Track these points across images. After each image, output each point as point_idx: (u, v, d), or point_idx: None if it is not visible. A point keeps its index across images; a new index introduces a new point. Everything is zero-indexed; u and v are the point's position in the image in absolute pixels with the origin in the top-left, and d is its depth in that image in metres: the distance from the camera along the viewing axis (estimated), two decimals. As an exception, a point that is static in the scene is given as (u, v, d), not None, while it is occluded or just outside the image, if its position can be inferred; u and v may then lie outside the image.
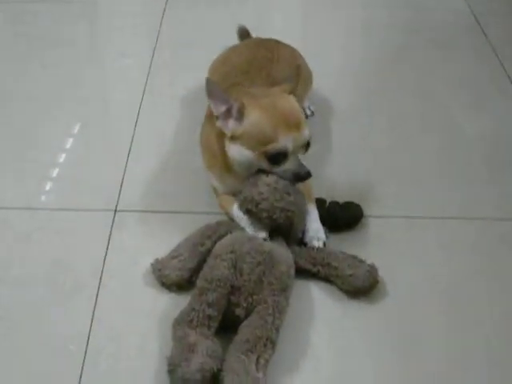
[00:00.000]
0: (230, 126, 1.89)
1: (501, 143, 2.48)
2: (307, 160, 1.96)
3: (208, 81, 1.87)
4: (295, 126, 1.84)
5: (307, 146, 1.89)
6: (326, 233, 1.98)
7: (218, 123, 1.90)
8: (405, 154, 2.41)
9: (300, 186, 1.94)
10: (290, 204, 1.86)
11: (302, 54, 2.53)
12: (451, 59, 3.00)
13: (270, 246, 1.82)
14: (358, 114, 2.61)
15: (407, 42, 3.13)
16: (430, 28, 3.25)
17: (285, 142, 1.82)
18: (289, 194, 1.86)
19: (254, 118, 1.85)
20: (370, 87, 2.79)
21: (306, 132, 1.86)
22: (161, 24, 3.21)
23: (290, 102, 1.91)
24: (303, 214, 1.95)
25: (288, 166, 1.86)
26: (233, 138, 1.89)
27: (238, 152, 1.89)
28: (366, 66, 2.94)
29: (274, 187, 1.86)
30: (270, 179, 1.87)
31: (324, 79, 2.64)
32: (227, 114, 1.88)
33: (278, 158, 1.84)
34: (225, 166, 1.98)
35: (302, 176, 1.86)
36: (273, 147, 1.82)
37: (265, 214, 1.86)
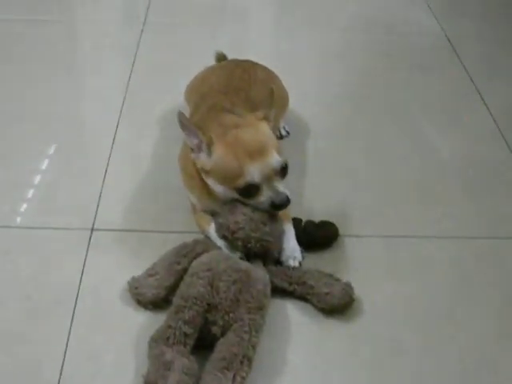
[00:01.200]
0: (202, 160, 1.91)
1: (474, 161, 2.53)
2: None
3: (180, 115, 1.88)
4: (259, 155, 1.83)
5: (283, 171, 1.88)
6: (301, 252, 1.99)
7: (192, 156, 1.92)
8: (379, 174, 2.44)
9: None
10: (266, 234, 1.88)
11: (279, 75, 2.56)
12: (425, 80, 3.05)
13: (246, 264, 1.83)
14: (334, 134, 2.64)
15: (382, 65, 3.18)
16: (404, 50, 3.31)
17: (251, 174, 1.82)
18: (265, 224, 1.88)
19: (220, 154, 1.87)
20: (346, 109, 2.82)
21: (273, 159, 1.85)
22: (138, 45, 3.22)
23: (258, 132, 1.92)
24: (279, 241, 1.96)
25: (264, 195, 1.86)
26: (206, 173, 1.91)
27: (213, 185, 1.92)
28: (341, 88, 2.97)
29: (249, 217, 1.88)
30: (246, 209, 1.89)
31: (300, 100, 2.67)
32: (199, 148, 1.90)
33: (248, 191, 1.85)
34: (203, 188, 1.99)
35: (278, 205, 1.86)
36: (241, 182, 1.83)
37: (240, 243, 1.88)
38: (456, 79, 3.07)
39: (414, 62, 3.21)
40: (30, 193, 2.30)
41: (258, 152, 1.84)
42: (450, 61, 3.22)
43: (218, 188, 1.91)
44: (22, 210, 2.23)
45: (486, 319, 1.91)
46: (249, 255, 1.89)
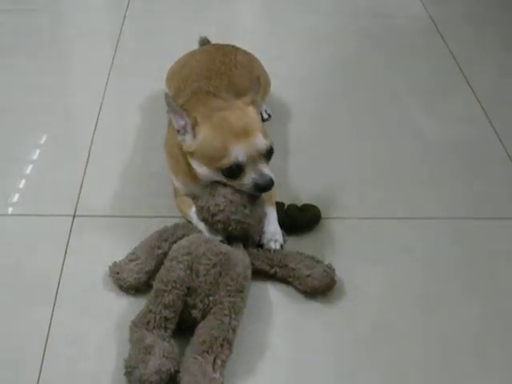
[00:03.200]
0: (188, 141, 1.90)
1: (459, 143, 2.53)
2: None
3: (166, 96, 1.88)
4: (245, 135, 1.83)
5: (268, 154, 1.88)
6: (283, 235, 1.99)
7: (179, 138, 1.92)
8: (362, 156, 2.44)
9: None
10: (246, 216, 1.88)
11: (263, 59, 2.56)
12: (411, 64, 3.05)
13: (226, 247, 1.83)
14: (317, 117, 2.65)
15: (368, 49, 3.18)
16: (390, 34, 3.31)
17: (236, 154, 1.82)
18: (245, 206, 1.88)
19: (204, 135, 1.87)
20: (331, 92, 2.82)
21: (259, 140, 1.85)
22: (121, 31, 3.21)
23: (244, 114, 1.92)
24: (260, 223, 1.96)
25: (248, 177, 1.85)
26: (191, 154, 1.91)
27: (197, 167, 1.91)
28: (326, 72, 2.97)
29: (230, 200, 1.87)
30: (226, 191, 1.89)
31: (283, 83, 2.67)
32: (184, 129, 1.89)
33: (233, 171, 1.84)
34: (188, 173, 1.99)
35: (262, 187, 1.85)
36: (225, 162, 1.83)
37: (220, 226, 1.88)
38: (442, 62, 3.07)
39: (400, 45, 3.21)
40: (11, 180, 2.30)
41: (244, 133, 1.84)
42: (436, 44, 3.22)
43: (202, 170, 1.91)
44: (3, 198, 2.22)
45: (468, 299, 1.91)
46: (229, 238, 1.89)
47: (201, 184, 1.98)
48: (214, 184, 1.92)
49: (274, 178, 1.86)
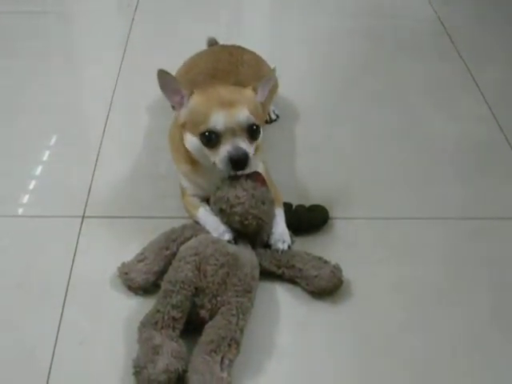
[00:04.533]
0: (182, 114, 1.93)
1: (466, 143, 2.53)
2: (272, 164, 2.07)
3: (160, 73, 1.89)
4: (229, 106, 1.83)
5: (251, 131, 1.87)
6: (291, 236, 2.00)
7: (175, 113, 1.96)
8: (370, 156, 2.45)
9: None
10: (263, 213, 1.89)
11: (270, 59, 2.56)
12: (418, 65, 3.05)
13: (234, 248, 1.84)
14: (324, 118, 2.65)
15: (375, 50, 3.18)
16: (397, 35, 3.31)
17: (215, 120, 1.82)
18: (264, 203, 1.89)
19: (194, 102, 1.90)
20: (336, 92, 2.83)
21: (241, 112, 1.84)
22: (129, 32, 3.23)
23: (237, 91, 1.94)
24: (271, 223, 1.97)
25: (223, 149, 1.84)
26: (183, 127, 1.93)
27: (188, 141, 1.92)
28: (332, 72, 2.98)
29: (251, 194, 1.88)
30: (248, 185, 1.89)
31: (290, 84, 2.67)
32: (180, 103, 1.92)
33: (210, 138, 1.84)
34: (190, 161, 2.01)
35: (234, 160, 1.83)
36: (203, 127, 1.84)
37: (237, 218, 1.88)
38: (449, 63, 3.07)
39: (407, 46, 3.21)
40: (21, 182, 2.31)
41: (229, 103, 1.84)
42: (443, 45, 3.22)
43: (190, 142, 1.91)
44: (13, 199, 2.24)
45: (477, 300, 1.91)
46: (236, 238, 1.90)
47: (203, 175, 2.00)
48: (235, 177, 1.91)
49: (250, 155, 1.85)
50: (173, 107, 1.96)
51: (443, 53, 3.15)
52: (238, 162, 1.84)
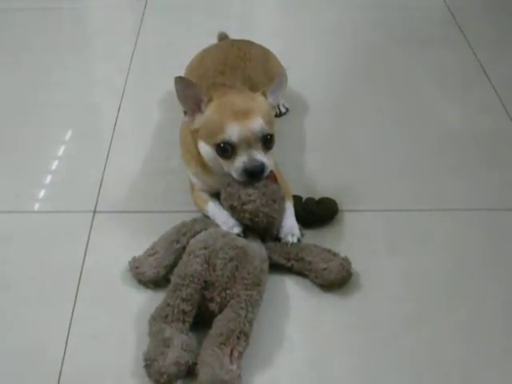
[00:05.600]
0: (197, 120, 1.94)
1: (475, 133, 2.53)
2: (282, 157, 2.09)
3: (178, 80, 1.90)
4: (244, 117, 1.85)
5: (266, 140, 1.89)
6: (300, 229, 2.01)
7: (185, 118, 1.97)
8: (379, 148, 2.45)
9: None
10: (274, 211, 1.91)
11: (281, 51, 2.59)
12: (427, 54, 3.04)
13: (243, 241, 1.86)
14: (334, 110, 2.66)
15: (384, 39, 3.17)
16: (406, 24, 3.31)
17: (230, 132, 1.84)
18: (274, 201, 1.91)
19: (210, 111, 1.90)
20: (346, 84, 2.83)
21: (255, 123, 1.85)
22: (140, 27, 3.25)
23: (250, 99, 1.95)
24: (281, 218, 1.99)
25: (239, 160, 1.86)
26: (196, 132, 1.94)
27: (202, 148, 1.94)
28: (341, 64, 2.99)
29: (262, 192, 1.89)
30: (259, 183, 1.90)
31: (299, 77, 2.68)
32: (196, 108, 1.93)
33: (225, 149, 1.86)
34: (200, 163, 2.02)
35: (250, 171, 1.86)
36: (219, 139, 1.85)
37: (248, 216, 1.89)
38: (458, 52, 3.06)
39: (418, 37, 3.21)
40: (32, 177, 2.34)
41: (243, 114, 1.85)
42: (452, 34, 3.21)
43: (204, 148, 1.93)
44: (25, 194, 2.26)
45: (484, 291, 1.92)
46: (246, 232, 1.91)
47: (213, 175, 2.02)
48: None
49: (267, 165, 1.88)
50: (184, 113, 1.96)
51: (452, 42, 3.14)
52: (255, 173, 1.87)
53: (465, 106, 2.69)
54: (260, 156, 1.86)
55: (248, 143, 1.85)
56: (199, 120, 1.93)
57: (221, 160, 1.89)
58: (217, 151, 1.88)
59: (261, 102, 1.95)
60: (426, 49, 3.09)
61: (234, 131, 1.83)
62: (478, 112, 2.65)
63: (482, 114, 2.64)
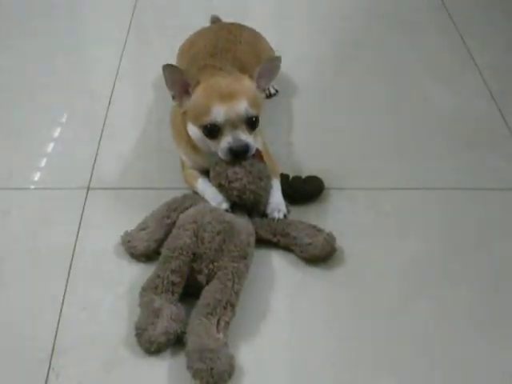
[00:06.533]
0: (185, 103, 2.00)
1: (460, 116, 2.59)
2: (271, 137, 2.17)
3: (166, 68, 1.96)
4: (229, 99, 1.91)
5: (250, 122, 1.96)
6: (287, 206, 2.08)
7: (175, 104, 2.04)
8: (365, 129, 2.51)
9: (267, 161, 2.05)
10: (260, 188, 1.98)
11: (271, 34, 2.65)
12: (415, 39, 3.09)
13: (230, 216, 1.92)
14: (321, 92, 2.71)
15: (373, 25, 3.22)
16: (395, 10, 3.35)
17: (215, 114, 1.91)
18: (261, 178, 1.98)
19: (197, 93, 1.97)
20: (334, 67, 2.89)
21: (240, 105, 1.92)
22: (134, 9, 3.29)
23: (237, 81, 2.00)
24: (268, 195, 2.06)
25: (224, 140, 1.94)
26: (186, 116, 2.01)
27: (190, 129, 2.01)
28: (330, 47, 3.04)
29: (248, 170, 1.96)
30: (246, 161, 1.97)
31: (289, 59, 2.69)
32: (184, 92, 1.99)
33: (211, 130, 1.93)
34: (190, 144, 2.09)
35: (235, 151, 1.94)
36: (205, 120, 1.93)
37: (235, 193, 1.96)
38: (447, 38, 3.11)
39: (407, 22, 3.25)
40: (27, 155, 2.39)
41: (229, 96, 1.92)
42: (441, 20, 3.26)
43: (192, 130, 2.00)
44: (19, 172, 2.31)
45: (467, 268, 1.98)
46: (234, 207, 1.98)
47: (202, 155, 2.08)
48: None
49: (251, 145, 1.95)
50: (173, 97, 2.03)
51: (441, 28, 3.18)
52: (239, 152, 1.94)
53: (452, 90, 2.74)
54: (245, 137, 1.94)
55: (233, 124, 1.92)
56: (187, 103, 2.00)
57: (208, 140, 1.96)
58: (204, 132, 1.95)
59: (247, 84, 2.01)
60: (415, 34, 3.14)
61: (219, 113, 1.91)
62: (465, 96, 2.70)
63: (469, 98, 2.70)
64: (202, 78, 2.01)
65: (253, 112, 1.94)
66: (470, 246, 2.05)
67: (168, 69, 1.96)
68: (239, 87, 1.97)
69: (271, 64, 2.07)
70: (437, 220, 2.14)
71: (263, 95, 2.10)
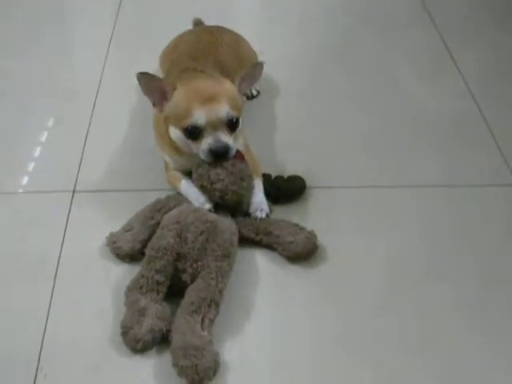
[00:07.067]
0: (165, 108, 2.03)
1: (441, 115, 2.63)
2: (253, 137, 2.20)
3: (140, 76, 1.98)
4: (209, 102, 1.94)
5: (231, 123, 1.99)
6: (269, 205, 2.11)
7: (155, 111, 2.08)
8: (346, 128, 2.55)
9: (249, 161, 2.08)
10: (242, 189, 2.01)
11: (253, 36, 2.68)
12: (398, 41, 3.14)
13: (213, 216, 1.95)
14: (303, 93, 2.75)
15: (356, 27, 3.26)
16: (376, 11, 3.40)
17: (197, 116, 1.94)
18: (242, 179, 2.01)
19: (176, 97, 2.00)
20: (316, 67, 2.93)
21: (221, 108, 1.96)
22: (117, 13, 3.31)
23: (216, 83, 2.03)
24: (251, 195, 2.09)
25: (205, 142, 1.97)
26: (167, 119, 2.04)
27: (172, 132, 2.04)
28: (311, 48, 3.08)
29: (230, 171, 2.00)
30: (227, 162, 2.01)
31: (270, 60, 2.71)
32: (163, 98, 2.02)
33: (193, 132, 1.96)
34: (173, 146, 2.12)
35: (215, 152, 1.97)
36: (186, 123, 1.96)
37: (218, 194, 2.00)
38: (427, 38, 3.15)
39: (387, 22, 3.29)
40: (12, 159, 2.41)
41: (209, 99, 1.95)
42: (422, 21, 3.30)
43: (174, 133, 2.03)
44: (4, 175, 2.33)
45: (450, 265, 2.02)
46: (217, 207, 2.01)
47: (185, 157, 2.11)
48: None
49: (232, 146, 1.99)
50: (153, 104, 2.06)
51: (421, 28, 3.23)
52: (219, 153, 1.98)
53: (432, 89, 2.79)
54: (225, 138, 1.98)
55: (214, 126, 1.96)
56: (167, 107, 2.02)
57: (189, 142, 2.00)
58: (185, 134, 1.98)
59: (227, 87, 2.04)
60: (396, 34, 3.18)
61: (200, 115, 1.94)
62: (445, 94, 2.76)
63: (449, 95, 2.75)
64: (181, 81, 2.05)
65: (233, 114, 1.98)
66: (451, 242, 2.09)
67: (143, 77, 1.98)
68: (219, 90, 2.00)
69: (254, 70, 2.10)
70: (418, 217, 2.17)
71: (244, 98, 2.12)
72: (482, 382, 1.72)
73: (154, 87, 2.00)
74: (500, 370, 1.74)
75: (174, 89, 2.01)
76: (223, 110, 1.96)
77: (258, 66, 2.10)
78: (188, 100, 1.97)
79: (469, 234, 2.12)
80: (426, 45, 3.11)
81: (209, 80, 2.07)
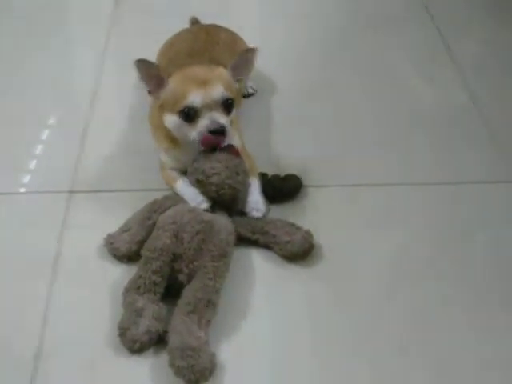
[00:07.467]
0: (161, 95, 2.05)
1: (439, 112, 2.63)
2: (249, 136, 2.21)
3: (138, 63, 2.00)
4: (204, 84, 1.98)
5: (226, 104, 2.02)
6: (266, 204, 2.11)
7: (151, 97, 2.10)
8: (343, 127, 2.55)
9: (245, 160, 2.09)
10: (238, 183, 2.02)
11: (250, 34, 2.68)
12: (394, 37, 3.13)
13: (209, 216, 1.95)
14: (299, 90, 2.74)
15: (351, 22, 3.26)
16: (373, 6, 3.39)
17: (193, 98, 1.96)
18: (238, 173, 2.02)
19: (172, 82, 2.03)
20: (313, 64, 2.92)
21: (216, 89, 1.99)
22: (114, 11, 3.32)
23: (211, 69, 2.07)
24: (246, 192, 2.10)
25: (201, 123, 1.98)
26: (162, 107, 2.06)
27: (167, 120, 2.05)
28: (309, 45, 3.07)
29: (225, 165, 2.00)
30: (223, 157, 2.02)
31: (267, 59, 2.72)
32: (159, 85, 2.04)
33: (189, 114, 1.98)
34: (170, 139, 2.13)
35: (212, 131, 1.98)
36: (182, 104, 1.98)
37: (213, 188, 2.00)
38: (424, 32, 3.16)
39: (382, 17, 3.29)
40: (10, 159, 2.41)
41: (204, 82, 1.99)
42: (420, 16, 3.30)
43: (169, 120, 2.05)
44: (2, 175, 2.33)
45: (449, 263, 2.02)
46: (213, 207, 2.01)
47: (182, 151, 2.13)
48: (210, 151, 2.04)
49: (227, 127, 2.00)
50: (149, 92, 2.08)
51: (419, 22, 3.23)
52: (216, 131, 1.98)
53: (430, 84, 2.79)
54: (221, 119, 1.99)
55: (209, 107, 1.98)
56: (163, 93, 2.05)
57: (185, 126, 2.01)
58: (181, 117, 2.00)
59: (221, 72, 2.07)
60: (394, 29, 3.17)
61: (196, 96, 1.97)
62: (443, 90, 2.75)
63: (446, 91, 2.75)
64: (175, 70, 2.08)
65: (228, 95, 2.01)
66: (450, 240, 2.09)
67: (140, 64, 2.00)
68: (214, 74, 2.04)
69: (246, 55, 2.12)
70: (416, 215, 2.18)
71: (237, 85, 2.14)
72: (482, 381, 1.72)
73: (151, 74, 2.03)
74: (499, 369, 1.74)
75: (170, 76, 2.04)
76: (218, 90, 1.99)
77: (250, 51, 2.13)
78: (183, 84, 2.00)
79: (469, 231, 2.12)
80: (424, 39, 3.11)
81: (203, 66, 2.10)
